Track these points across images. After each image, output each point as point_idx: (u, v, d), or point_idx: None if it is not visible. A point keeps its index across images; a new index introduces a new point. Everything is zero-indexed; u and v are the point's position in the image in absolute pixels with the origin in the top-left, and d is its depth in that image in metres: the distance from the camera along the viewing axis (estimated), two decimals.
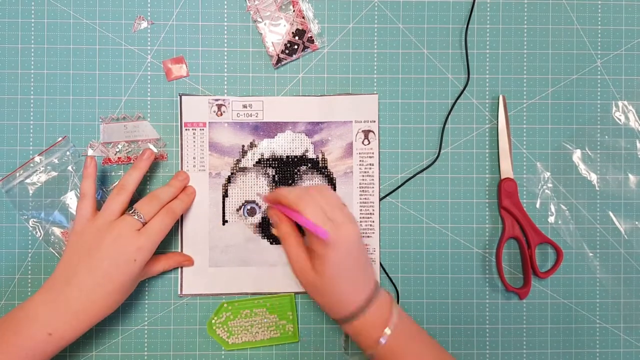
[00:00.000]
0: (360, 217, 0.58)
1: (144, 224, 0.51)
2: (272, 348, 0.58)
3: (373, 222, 0.58)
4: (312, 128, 0.58)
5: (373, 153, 0.59)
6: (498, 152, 0.59)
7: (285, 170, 0.58)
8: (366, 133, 0.58)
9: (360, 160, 0.59)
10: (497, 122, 0.59)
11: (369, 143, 0.58)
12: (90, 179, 0.52)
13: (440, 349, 0.51)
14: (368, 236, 0.58)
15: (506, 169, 0.58)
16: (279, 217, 0.51)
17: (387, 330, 0.47)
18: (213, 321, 0.57)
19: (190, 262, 0.57)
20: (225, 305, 0.58)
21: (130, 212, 0.51)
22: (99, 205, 0.54)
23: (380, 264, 0.58)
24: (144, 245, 0.50)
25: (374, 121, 0.59)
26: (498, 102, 0.59)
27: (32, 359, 0.47)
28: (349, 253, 0.47)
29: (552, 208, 0.59)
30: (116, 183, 0.58)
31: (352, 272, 0.48)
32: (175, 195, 0.55)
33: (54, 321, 0.48)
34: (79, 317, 0.48)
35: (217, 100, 0.58)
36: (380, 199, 0.59)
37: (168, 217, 0.52)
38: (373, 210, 0.58)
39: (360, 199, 0.58)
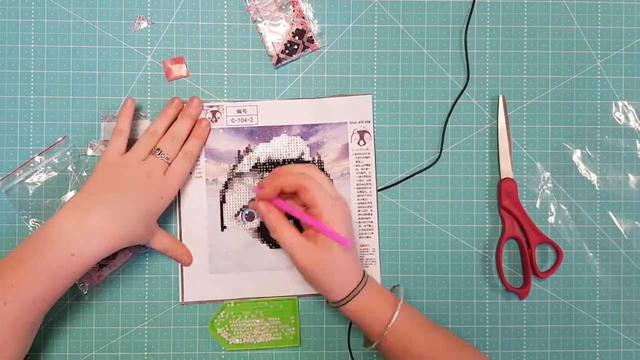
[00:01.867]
0: (359, 218, 0.58)
1: (169, 164, 0.53)
2: (273, 349, 0.58)
3: (372, 222, 0.58)
4: (307, 130, 0.58)
5: (369, 153, 0.58)
6: (498, 152, 0.59)
7: None
8: (361, 134, 0.58)
9: (356, 161, 0.58)
10: (497, 122, 0.59)
11: (365, 144, 0.58)
12: (128, 118, 0.54)
13: (448, 334, 0.52)
14: (367, 237, 0.58)
15: (506, 169, 0.58)
16: (266, 207, 0.52)
17: (396, 314, 0.49)
18: (215, 320, 0.57)
19: (189, 260, 0.57)
20: (228, 305, 0.58)
21: (157, 153, 0.53)
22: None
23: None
24: (169, 186, 0.53)
25: (369, 121, 0.59)
26: (498, 102, 0.59)
27: (55, 281, 0.47)
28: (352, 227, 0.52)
29: (552, 208, 0.59)
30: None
31: (352, 250, 0.52)
32: (192, 126, 0.56)
33: (77, 241, 0.47)
34: (103, 236, 0.48)
35: (211, 106, 0.58)
36: (378, 190, 0.59)
37: (187, 161, 0.55)
38: (371, 210, 0.58)
39: (358, 199, 0.58)
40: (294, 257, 0.50)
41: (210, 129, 0.58)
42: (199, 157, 0.57)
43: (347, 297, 0.50)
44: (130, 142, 0.54)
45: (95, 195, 0.50)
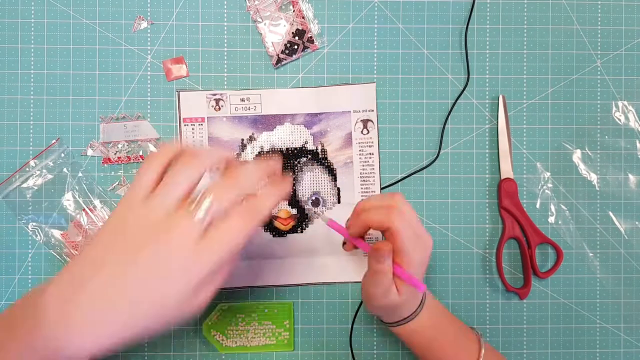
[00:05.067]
0: None
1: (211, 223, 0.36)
2: (272, 352, 0.58)
3: None
4: (311, 119, 0.58)
5: (372, 142, 0.59)
6: (498, 152, 0.59)
7: (285, 162, 0.58)
8: (365, 122, 0.58)
9: (360, 150, 0.59)
10: (497, 122, 0.59)
11: (368, 132, 0.58)
12: (165, 157, 0.38)
13: (466, 332, 0.51)
14: None
15: (506, 169, 0.58)
16: (381, 255, 0.44)
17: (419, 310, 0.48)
18: (209, 322, 0.57)
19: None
20: (223, 307, 0.57)
21: (193, 206, 0.36)
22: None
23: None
24: (195, 265, 0.35)
25: (372, 110, 0.59)
26: (498, 102, 0.59)
27: None
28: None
29: (552, 208, 0.59)
30: (116, 183, 0.58)
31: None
32: (259, 180, 0.39)
33: (62, 332, 0.34)
34: (93, 331, 0.34)
35: (214, 95, 0.58)
36: (382, 189, 0.59)
37: (250, 219, 0.36)
38: None
39: (362, 188, 0.58)
40: (374, 301, 0.47)
41: (291, 187, 0.46)
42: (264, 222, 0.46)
43: (398, 322, 0.49)
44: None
45: (95, 264, 0.36)
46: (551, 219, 0.59)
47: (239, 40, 0.59)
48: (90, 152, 0.58)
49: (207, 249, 0.35)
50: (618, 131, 0.60)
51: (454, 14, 0.59)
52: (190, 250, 0.35)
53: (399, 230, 0.43)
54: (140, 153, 0.57)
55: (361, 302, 0.58)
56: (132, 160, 0.57)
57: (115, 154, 0.57)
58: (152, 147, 0.58)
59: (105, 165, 0.57)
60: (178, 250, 0.35)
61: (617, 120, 0.60)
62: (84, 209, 0.57)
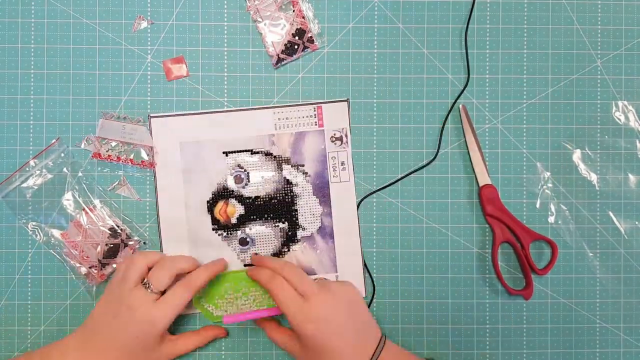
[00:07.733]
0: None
1: (162, 293, 0.51)
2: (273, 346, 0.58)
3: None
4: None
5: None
6: (471, 161, 0.59)
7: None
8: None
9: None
10: (463, 132, 0.59)
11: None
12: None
13: None
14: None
15: (483, 176, 0.58)
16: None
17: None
18: (199, 295, 0.57)
19: (223, 333, 0.57)
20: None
21: (143, 282, 0.51)
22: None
23: (365, 264, 0.59)
24: (155, 318, 0.49)
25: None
26: (460, 115, 0.59)
27: None
28: (330, 318, 0.49)
29: (552, 208, 0.59)
30: (116, 182, 0.58)
31: (348, 334, 0.50)
32: (195, 267, 0.54)
33: None
34: None
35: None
36: (375, 191, 0.59)
37: (186, 290, 0.51)
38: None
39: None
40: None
41: (224, 265, 0.57)
42: (198, 291, 0.54)
43: None
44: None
45: (95, 327, 0.51)
46: (551, 219, 0.59)
47: (239, 40, 0.59)
48: (84, 144, 0.57)
49: (159, 307, 0.50)
50: (618, 131, 0.60)
51: (454, 14, 0.59)
52: (148, 308, 0.49)
53: (275, 294, 0.51)
54: (132, 156, 0.57)
55: (371, 300, 0.58)
56: (121, 161, 0.57)
57: (107, 151, 0.57)
58: (143, 154, 0.57)
59: (96, 159, 0.57)
60: (138, 310, 0.49)
61: (617, 120, 0.60)
62: (83, 209, 0.57)
